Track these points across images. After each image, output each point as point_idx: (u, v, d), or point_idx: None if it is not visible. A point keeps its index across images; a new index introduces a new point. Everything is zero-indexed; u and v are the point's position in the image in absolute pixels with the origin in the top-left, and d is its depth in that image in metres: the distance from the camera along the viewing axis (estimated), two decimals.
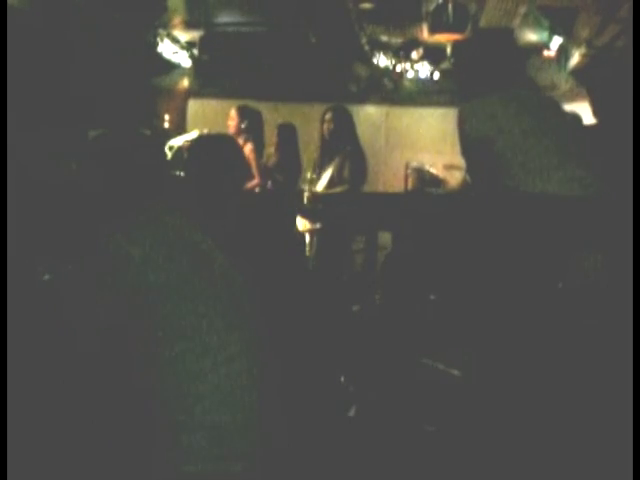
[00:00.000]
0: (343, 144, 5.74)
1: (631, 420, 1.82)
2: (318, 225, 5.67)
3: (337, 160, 5.74)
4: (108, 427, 1.91)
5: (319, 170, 5.83)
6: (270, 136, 6.33)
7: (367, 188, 5.94)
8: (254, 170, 5.64)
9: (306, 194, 5.66)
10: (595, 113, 3.34)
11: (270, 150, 6.24)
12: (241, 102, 6.05)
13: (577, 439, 2.59)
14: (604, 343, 2.55)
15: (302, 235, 5.70)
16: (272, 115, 7.34)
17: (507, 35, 6.37)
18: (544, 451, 2.58)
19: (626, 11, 5.13)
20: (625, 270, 2.26)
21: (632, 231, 2.23)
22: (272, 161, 6.14)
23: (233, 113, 5.69)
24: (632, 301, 2.11)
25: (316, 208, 5.53)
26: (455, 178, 7.03)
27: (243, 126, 5.72)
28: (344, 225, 5.22)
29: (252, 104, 6.13)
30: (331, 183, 5.73)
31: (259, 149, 5.77)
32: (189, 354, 1.80)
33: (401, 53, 7.81)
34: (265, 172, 5.85)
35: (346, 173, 5.69)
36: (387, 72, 8.18)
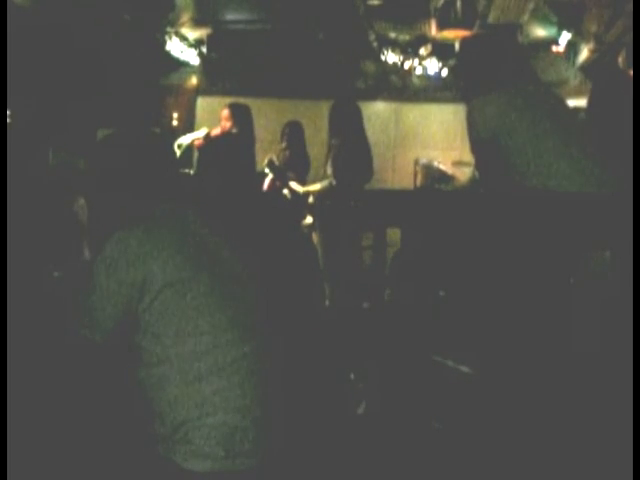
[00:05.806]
0: (332, 138, 5.59)
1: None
2: (310, 220, 5.63)
3: (328, 155, 5.63)
4: (111, 426, 1.92)
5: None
6: (277, 133, 6.31)
7: (376, 184, 5.90)
8: None
9: (287, 192, 5.63)
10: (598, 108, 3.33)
11: (280, 147, 6.22)
12: (249, 100, 5.98)
13: (586, 436, 2.58)
14: (613, 340, 2.55)
15: (309, 232, 5.69)
16: (280, 113, 7.34)
17: (515, 31, 6.37)
18: (552, 449, 2.57)
19: None
20: (633, 267, 2.25)
21: (633, 229, 2.23)
22: (282, 159, 6.10)
23: (226, 113, 5.46)
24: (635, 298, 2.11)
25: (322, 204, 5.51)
26: (464, 174, 7.00)
27: (235, 123, 5.52)
28: (350, 221, 5.21)
29: (260, 101, 6.05)
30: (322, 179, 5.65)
31: (250, 143, 5.57)
32: (193, 353, 1.80)
33: (409, 49, 7.81)
34: (277, 169, 5.78)
35: (328, 169, 5.52)
36: (395, 69, 8.17)
